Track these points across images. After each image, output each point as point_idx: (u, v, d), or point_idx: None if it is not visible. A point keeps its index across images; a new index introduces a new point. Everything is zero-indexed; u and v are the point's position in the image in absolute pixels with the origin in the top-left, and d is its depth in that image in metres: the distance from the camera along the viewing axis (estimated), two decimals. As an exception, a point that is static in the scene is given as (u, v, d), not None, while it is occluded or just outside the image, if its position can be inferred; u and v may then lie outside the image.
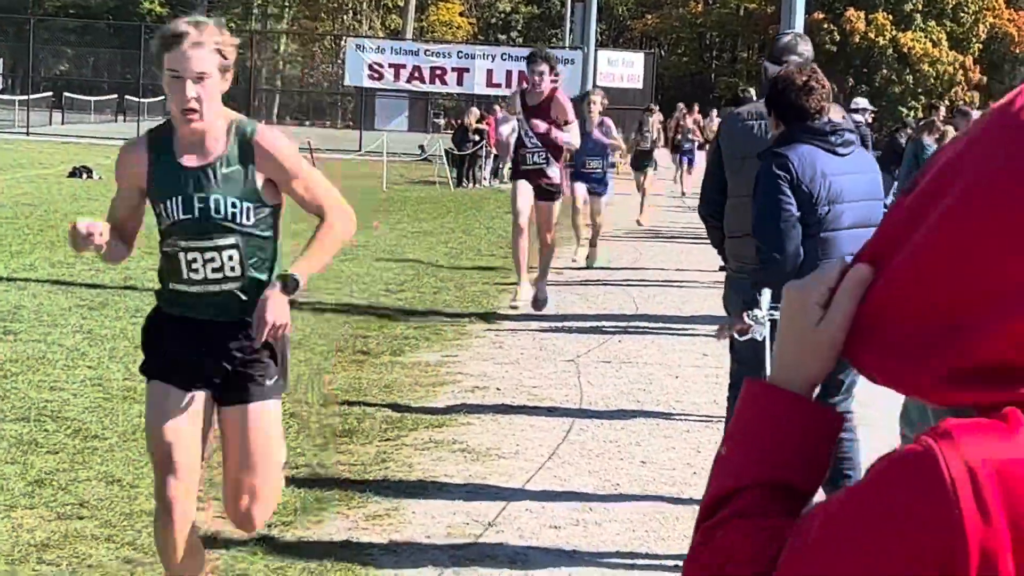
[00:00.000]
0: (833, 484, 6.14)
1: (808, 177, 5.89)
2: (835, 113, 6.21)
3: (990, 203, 1.30)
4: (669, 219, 26.47)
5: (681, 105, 41.53)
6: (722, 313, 6.87)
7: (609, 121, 17.40)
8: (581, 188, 17.17)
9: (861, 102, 20.92)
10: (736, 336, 6.00)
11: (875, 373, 1.40)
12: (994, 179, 1.30)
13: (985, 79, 78.29)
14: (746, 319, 4.90)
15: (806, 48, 7.04)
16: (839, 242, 5.94)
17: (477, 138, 35.25)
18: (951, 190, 1.33)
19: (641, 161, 24.85)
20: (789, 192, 5.88)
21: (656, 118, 25.27)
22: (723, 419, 8.40)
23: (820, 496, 1.43)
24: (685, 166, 33.35)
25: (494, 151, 37.16)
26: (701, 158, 34.35)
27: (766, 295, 4.87)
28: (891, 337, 1.37)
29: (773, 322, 4.87)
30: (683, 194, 31.61)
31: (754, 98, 14.04)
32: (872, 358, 1.40)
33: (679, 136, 35.99)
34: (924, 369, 1.33)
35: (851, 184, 5.98)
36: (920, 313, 1.34)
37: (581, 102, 17.06)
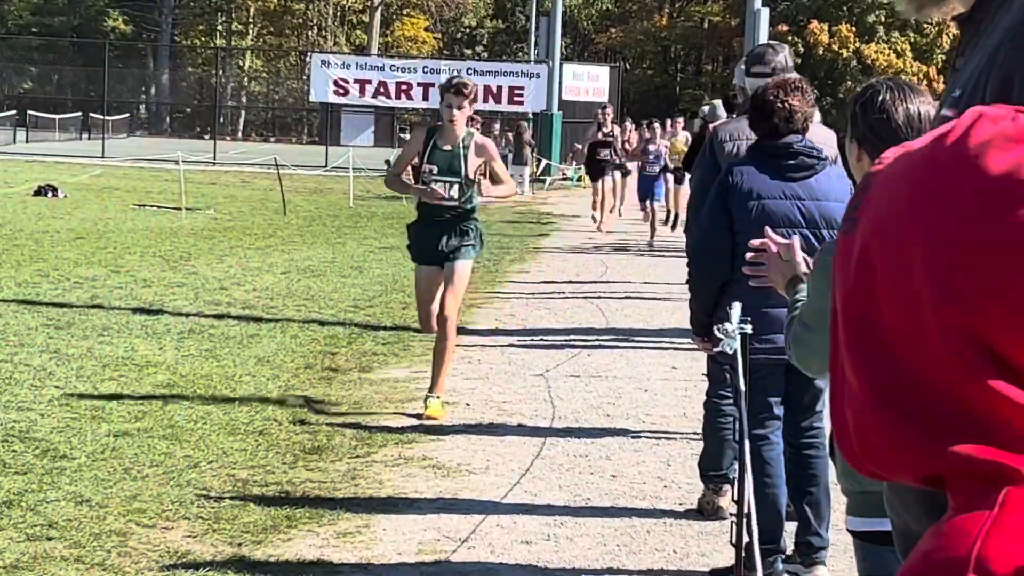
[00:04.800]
0: (795, 500, 6.15)
1: (741, 196, 5.96)
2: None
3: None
4: (636, 231, 26.46)
5: (600, 110, 28.69)
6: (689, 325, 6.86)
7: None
8: None
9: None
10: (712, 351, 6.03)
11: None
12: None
13: (948, 90, 78.74)
14: (716, 333, 4.90)
15: (775, 57, 7.04)
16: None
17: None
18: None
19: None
20: (724, 205, 6.02)
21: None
22: (693, 432, 8.41)
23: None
24: (649, 201, 24.62)
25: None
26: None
27: (736, 308, 4.86)
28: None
29: (744, 335, 4.87)
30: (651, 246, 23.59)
31: (710, 110, 14.05)
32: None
33: (607, 154, 26.57)
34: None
35: (792, 210, 5.99)
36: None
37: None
